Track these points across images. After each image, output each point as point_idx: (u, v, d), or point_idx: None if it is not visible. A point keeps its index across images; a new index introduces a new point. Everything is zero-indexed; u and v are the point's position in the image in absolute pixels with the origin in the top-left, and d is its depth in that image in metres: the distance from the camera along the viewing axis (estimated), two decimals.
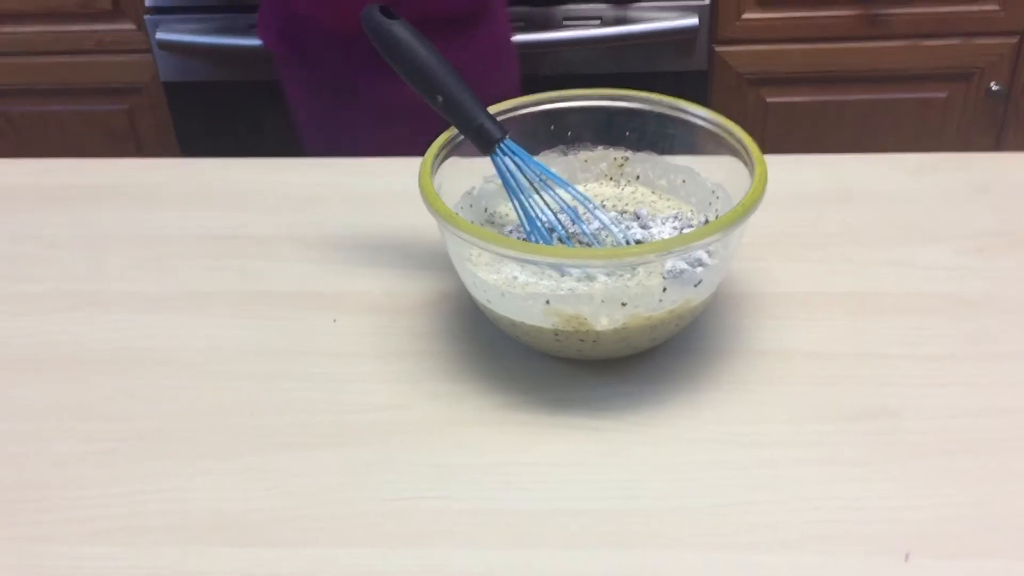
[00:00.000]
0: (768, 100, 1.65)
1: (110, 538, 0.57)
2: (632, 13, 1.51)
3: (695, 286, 0.62)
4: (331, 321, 0.72)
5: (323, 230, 0.82)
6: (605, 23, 1.51)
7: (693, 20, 1.52)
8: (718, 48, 1.60)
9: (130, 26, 1.67)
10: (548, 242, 0.68)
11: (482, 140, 0.67)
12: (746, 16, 1.57)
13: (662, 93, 0.73)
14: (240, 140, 1.74)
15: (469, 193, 0.74)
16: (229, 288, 0.76)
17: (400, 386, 0.66)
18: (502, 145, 0.67)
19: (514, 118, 0.73)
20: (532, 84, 0.76)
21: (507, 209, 0.76)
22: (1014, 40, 1.60)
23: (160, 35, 1.61)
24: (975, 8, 1.57)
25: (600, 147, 0.77)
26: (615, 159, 0.77)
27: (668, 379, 0.66)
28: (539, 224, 0.68)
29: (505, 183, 0.68)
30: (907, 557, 0.53)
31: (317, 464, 0.61)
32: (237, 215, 0.85)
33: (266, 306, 0.74)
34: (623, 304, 0.61)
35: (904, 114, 1.67)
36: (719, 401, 0.64)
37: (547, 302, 0.61)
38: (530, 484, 0.59)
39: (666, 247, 0.59)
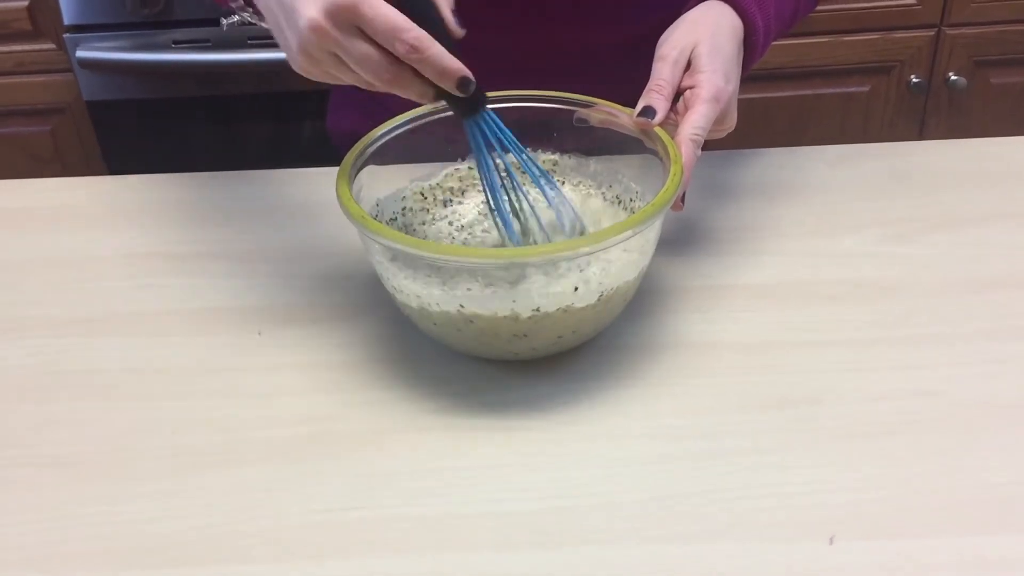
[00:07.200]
0: None
1: (36, 566, 0.55)
2: None
3: (612, 283, 0.63)
4: (256, 335, 0.71)
5: (245, 244, 0.81)
6: None
7: None
8: None
9: (49, 45, 1.64)
10: (511, 229, 0.67)
11: (472, 101, 0.62)
12: None
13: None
14: (168, 157, 1.71)
15: (395, 196, 0.73)
16: (150, 308, 0.75)
17: (327, 396, 0.66)
18: (484, 113, 0.64)
19: (437, 121, 0.72)
20: None
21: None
22: (931, 33, 1.63)
23: (80, 53, 1.58)
24: (892, 2, 1.61)
25: (528, 150, 0.77)
26: (543, 162, 0.77)
27: (595, 376, 0.66)
28: (505, 210, 0.67)
29: (477, 155, 0.65)
30: (831, 540, 0.54)
31: (244, 481, 0.60)
32: (156, 232, 0.83)
33: (189, 323, 0.73)
34: (540, 303, 0.61)
35: (829, 109, 1.70)
36: (646, 396, 0.64)
37: (461, 305, 0.61)
38: (460, 488, 0.59)
39: (576, 245, 0.59)
